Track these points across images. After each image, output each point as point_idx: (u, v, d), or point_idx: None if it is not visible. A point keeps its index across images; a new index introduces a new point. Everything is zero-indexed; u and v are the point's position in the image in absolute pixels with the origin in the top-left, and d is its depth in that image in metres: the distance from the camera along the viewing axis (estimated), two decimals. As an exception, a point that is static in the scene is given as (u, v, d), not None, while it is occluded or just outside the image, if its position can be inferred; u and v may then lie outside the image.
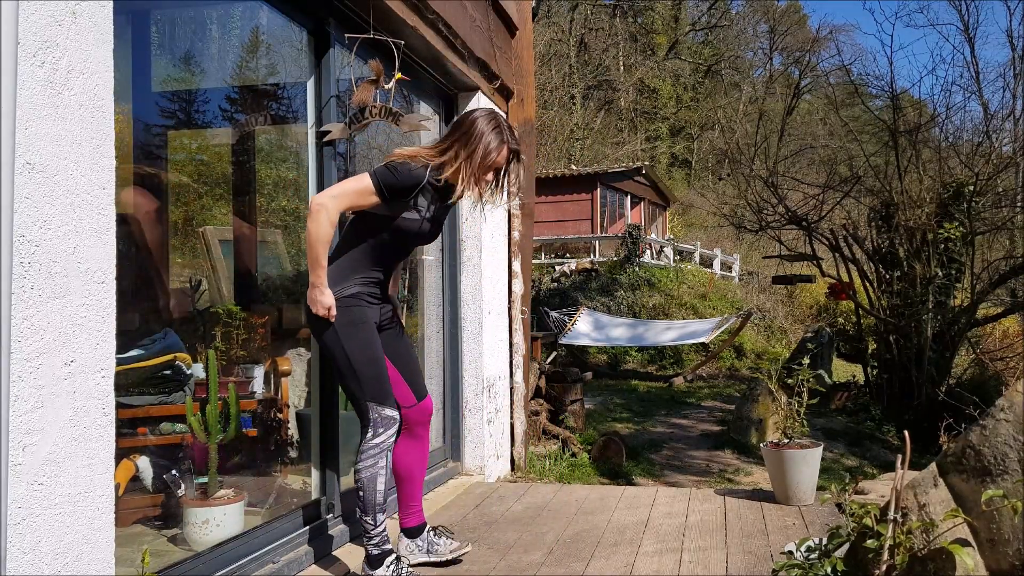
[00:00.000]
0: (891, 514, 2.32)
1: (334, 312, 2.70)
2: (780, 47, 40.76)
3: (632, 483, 6.19)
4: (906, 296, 8.68)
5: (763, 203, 9.86)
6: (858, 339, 10.37)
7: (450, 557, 3.11)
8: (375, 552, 2.80)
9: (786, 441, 4.18)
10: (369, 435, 2.75)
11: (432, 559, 3.10)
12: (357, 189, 2.67)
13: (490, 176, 2.83)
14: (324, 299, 2.69)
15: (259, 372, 3.59)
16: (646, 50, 36.21)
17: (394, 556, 2.81)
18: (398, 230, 2.76)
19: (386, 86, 3.42)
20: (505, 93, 5.30)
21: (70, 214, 1.85)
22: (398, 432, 2.83)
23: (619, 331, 12.97)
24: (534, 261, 15.17)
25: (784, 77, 38.94)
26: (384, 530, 2.81)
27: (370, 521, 2.79)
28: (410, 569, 2.88)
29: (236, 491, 3.00)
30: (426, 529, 3.14)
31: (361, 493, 2.76)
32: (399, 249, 2.88)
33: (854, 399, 9.76)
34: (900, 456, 2.43)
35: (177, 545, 2.90)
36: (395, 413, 2.79)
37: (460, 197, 2.83)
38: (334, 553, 3.24)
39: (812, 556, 2.64)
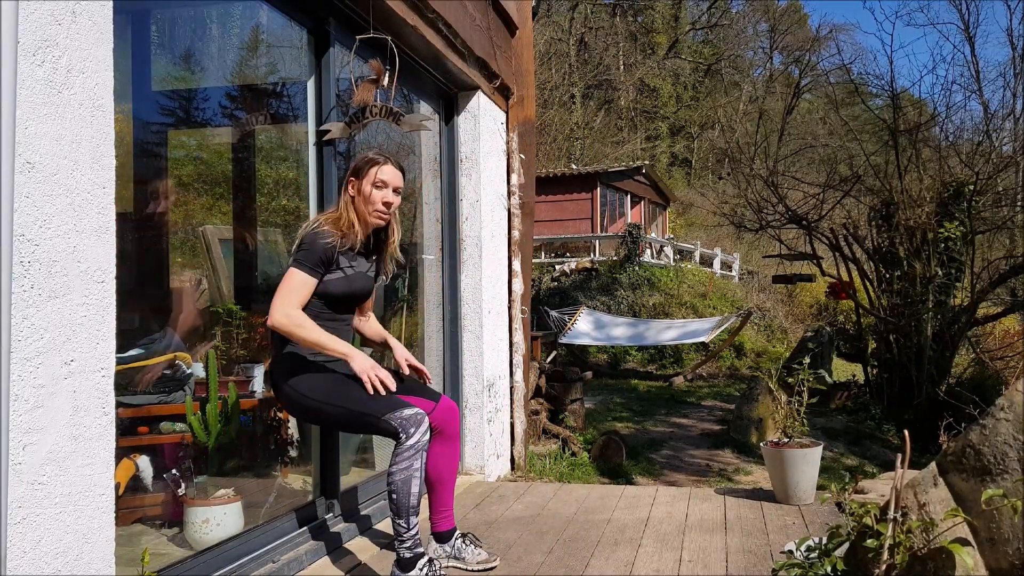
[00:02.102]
0: (891, 513, 2.32)
1: (380, 371, 2.70)
2: (780, 46, 40.78)
3: (632, 482, 6.19)
4: (906, 295, 8.68)
5: (763, 202, 9.86)
6: (858, 338, 10.37)
7: (477, 569, 3.07)
8: (407, 555, 2.73)
9: (786, 440, 4.18)
10: (402, 438, 2.66)
11: (459, 566, 3.07)
12: (296, 286, 2.69)
13: (377, 196, 2.82)
14: (362, 361, 2.69)
15: (259, 372, 3.58)
16: (646, 49, 36.20)
17: (427, 559, 2.75)
18: (327, 295, 2.79)
19: (385, 85, 3.42)
20: (505, 92, 5.30)
21: (70, 213, 1.85)
22: (430, 431, 2.75)
23: (619, 330, 12.97)
24: (534, 260, 15.16)
25: (784, 76, 38.95)
26: (417, 533, 2.74)
27: (403, 524, 2.71)
28: (443, 572, 2.84)
29: (235, 490, 3.01)
30: (456, 534, 3.11)
31: (394, 496, 2.68)
32: (337, 311, 2.87)
33: (854, 398, 9.77)
34: (900, 455, 2.43)
35: (177, 544, 2.90)
36: (415, 410, 2.70)
37: (392, 242, 2.95)
38: (334, 552, 3.24)
39: (812, 555, 2.64)
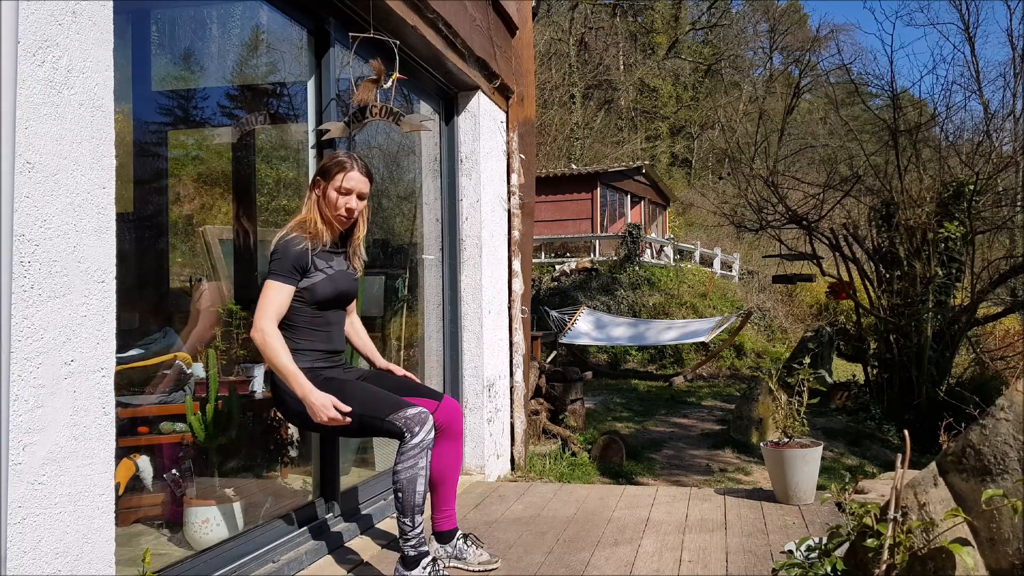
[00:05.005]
0: (891, 513, 2.32)
1: (341, 407, 2.63)
2: (780, 46, 40.79)
3: (632, 482, 6.19)
4: (906, 295, 8.68)
5: (763, 202, 9.85)
6: (858, 338, 10.37)
7: (479, 570, 3.07)
8: (412, 554, 2.74)
9: (786, 440, 4.18)
10: (407, 437, 2.66)
11: (460, 567, 3.07)
12: (275, 296, 2.67)
13: (341, 202, 2.78)
14: (320, 399, 2.61)
15: (259, 372, 3.58)
16: (646, 49, 36.22)
17: (430, 558, 2.76)
18: (316, 299, 2.77)
19: (385, 85, 3.42)
20: (505, 92, 5.30)
21: (70, 213, 1.85)
22: (434, 429, 2.75)
23: (619, 330, 12.97)
24: (534, 260, 15.16)
25: (784, 76, 38.95)
26: (421, 532, 2.75)
27: (408, 523, 2.71)
28: (445, 572, 2.85)
29: (235, 490, 3.01)
30: (457, 535, 3.11)
31: (400, 495, 2.68)
32: (326, 312, 2.85)
33: (854, 398, 9.77)
34: (900, 455, 2.43)
35: (177, 544, 2.90)
36: (419, 409, 2.70)
37: (357, 237, 2.91)
38: (335, 552, 3.24)
39: (812, 555, 2.64)
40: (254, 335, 2.64)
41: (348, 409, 2.64)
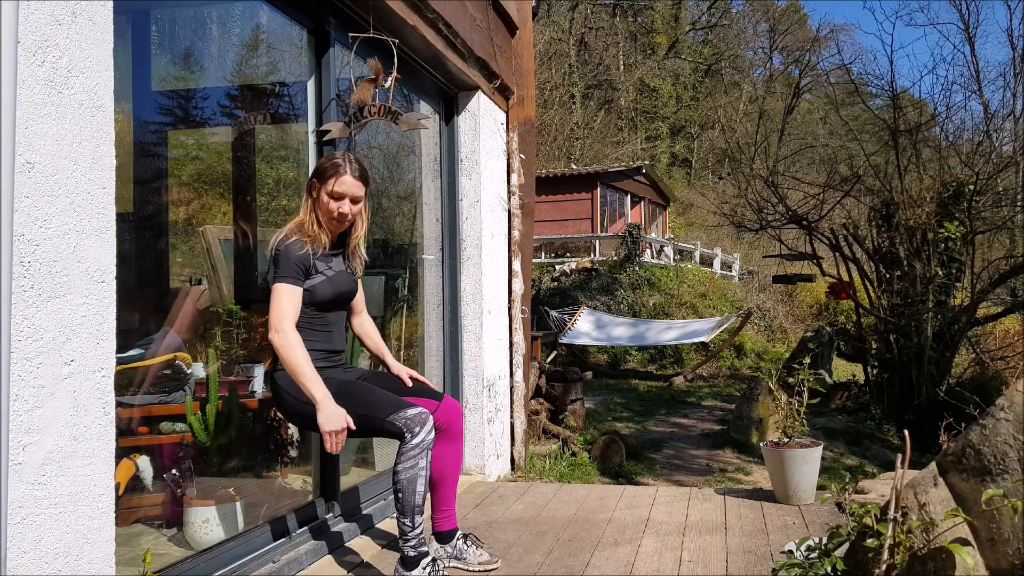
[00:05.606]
0: (891, 513, 2.32)
1: (350, 425, 2.60)
2: (780, 46, 40.80)
3: (632, 482, 6.19)
4: (906, 295, 8.68)
5: (763, 202, 9.85)
6: (858, 338, 10.37)
7: (478, 570, 3.06)
8: (411, 554, 2.74)
9: (786, 440, 4.18)
10: (407, 437, 2.66)
11: (460, 567, 3.07)
12: (287, 298, 2.66)
13: (333, 207, 2.76)
14: (328, 418, 2.57)
15: (259, 371, 3.58)
16: (646, 49, 36.23)
17: (430, 559, 2.76)
18: (316, 300, 2.77)
19: (384, 85, 3.42)
20: (505, 92, 5.30)
21: (70, 213, 1.85)
22: (434, 429, 2.74)
23: (619, 330, 12.97)
24: (534, 260, 15.16)
25: (784, 76, 38.96)
26: (421, 532, 2.74)
27: (408, 523, 2.71)
28: (445, 572, 2.85)
29: (235, 490, 3.01)
30: (457, 535, 3.11)
31: (400, 495, 2.67)
32: (328, 315, 2.85)
33: (854, 398, 9.77)
34: (900, 455, 2.43)
35: (177, 544, 2.90)
36: (419, 409, 2.70)
37: (355, 237, 2.89)
38: (335, 552, 3.24)
39: (812, 555, 2.64)
40: (273, 337, 2.63)
41: (355, 428, 2.62)
